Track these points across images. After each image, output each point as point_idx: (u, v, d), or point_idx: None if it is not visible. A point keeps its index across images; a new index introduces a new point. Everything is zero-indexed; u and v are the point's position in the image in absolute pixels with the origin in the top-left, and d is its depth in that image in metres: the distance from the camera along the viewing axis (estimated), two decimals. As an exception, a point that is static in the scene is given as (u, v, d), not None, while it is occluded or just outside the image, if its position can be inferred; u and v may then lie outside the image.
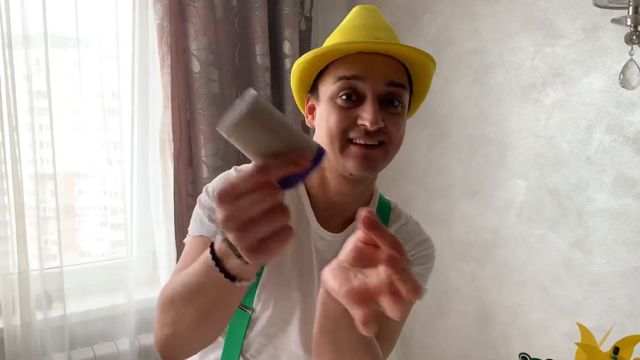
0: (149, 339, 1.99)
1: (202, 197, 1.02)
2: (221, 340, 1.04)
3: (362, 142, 0.89)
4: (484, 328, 1.92)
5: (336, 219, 1.02)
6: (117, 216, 2.09)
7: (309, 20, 2.24)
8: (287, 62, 2.14)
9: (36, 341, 1.77)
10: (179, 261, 1.00)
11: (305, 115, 1.03)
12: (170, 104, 1.94)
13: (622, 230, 1.55)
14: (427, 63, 0.96)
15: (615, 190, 1.56)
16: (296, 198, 1.02)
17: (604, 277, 1.60)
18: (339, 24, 1.02)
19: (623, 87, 1.32)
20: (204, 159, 1.98)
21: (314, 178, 1.01)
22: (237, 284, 0.69)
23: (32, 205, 1.79)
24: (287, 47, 2.13)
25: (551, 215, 1.71)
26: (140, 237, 2.13)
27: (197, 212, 1.02)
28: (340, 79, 0.90)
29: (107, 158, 1.98)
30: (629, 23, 1.28)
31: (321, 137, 0.94)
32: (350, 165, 0.90)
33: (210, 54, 1.98)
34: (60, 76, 1.93)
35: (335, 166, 0.94)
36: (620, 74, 1.31)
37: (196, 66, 1.97)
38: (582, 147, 1.62)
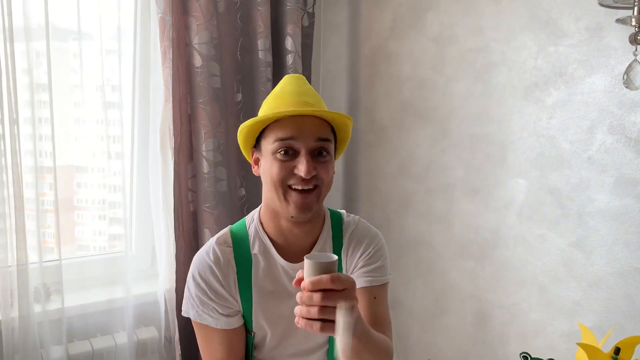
0: (147, 333, 1.99)
1: (191, 286, 1.23)
2: None
3: (299, 187, 1.11)
4: (483, 327, 1.92)
5: (297, 250, 1.23)
6: (116, 210, 2.09)
7: (311, 16, 2.23)
8: (289, 58, 2.13)
9: (34, 334, 1.77)
10: (202, 346, 1.25)
11: (252, 166, 1.24)
12: (171, 98, 1.93)
13: (622, 231, 1.55)
14: (345, 122, 1.18)
15: (616, 191, 1.56)
16: (260, 241, 1.24)
17: (604, 277, 1.59)
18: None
19: (626, 87, 1.31)
20: (204, 153, 1.98)
21: (270, 224, 1.23)
22: None
23: (31, 198, 1.79)
24: (289, 43, 2.12)
25: (551, 215, 1.70)
26: (140, 231, 2.13)
27: (192, 300, 1.23)
28: (278, 139, 1.12)
29: (107, 152, 1.98)
30: (633, 23, 1.27)
31: (266, 184, 1.16)
32: (291, 210, 1.12)
33: (212, 49, 1.97)
34: (61, 69, 1.93)
35: (281, 211, 1.16)
36: (624, 74, 1.31)
37: (198, 60, 1.96)
38: (583, 147, 1.62)
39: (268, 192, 1.17)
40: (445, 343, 2.04)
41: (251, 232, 1.24)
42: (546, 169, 1.71)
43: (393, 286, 2.23)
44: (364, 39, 2.28)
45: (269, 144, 1.14)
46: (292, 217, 1.14)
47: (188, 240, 2.05)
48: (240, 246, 1.22)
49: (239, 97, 2.06)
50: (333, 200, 2.49)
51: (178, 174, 1.98)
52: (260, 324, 1.24)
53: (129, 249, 2.03)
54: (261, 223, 1.25)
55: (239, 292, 1.21)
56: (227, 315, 1.21)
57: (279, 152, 1.11)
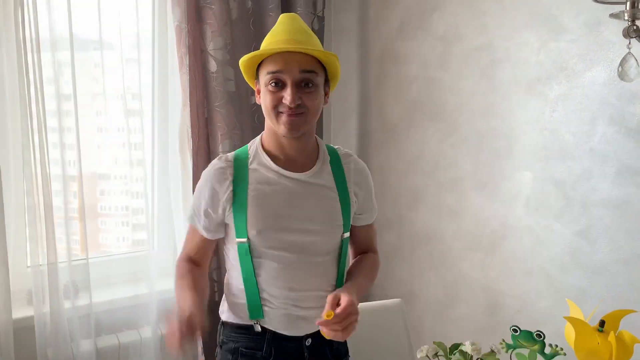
0: (171, 328, 2.08)
1: (199, 184, 1.39)
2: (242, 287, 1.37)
3: (287, 113, 1.27)
4: (494, 316, 1.97)
5: (294, 164, 1.37)
6: (138, 216, 2.18)
7: (321, 19, 2.31)
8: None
9: (64, 328, 1.87)
10: (185, 239, 1.48)
11: (255, 95, 1.38)
12: (188, 103, 2.03)
13: (625, 219, 1.59)
14: (330, 58, 1.30)
15: (618, 180, 1.60)
16: (258, 158, 1.36)
17: (608, 265, 1.64)
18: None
19: (622, 79, 1.36)
20: (221, 154, 2.06)
21: (270, 142, 1.36)
22: None
23: (59, 206, 1.89)
24: (300, 46, 2.20)
25: (556, 206, 1.75)
26: (161, 231, 2.22)
27: (194, 198, 1.40)
28: (269, 73, 1.27)
29: (128, 159, 2.07)
30: (626, 17, 1.33)
31: (263, 110, 1.31)
32: (281, 129, 1.29)
33: (227, 54, 2.06)
34: (84, 78, 2.02)
35: (276, 131, 1.32)
36: (619, 66, 1.36)
37: (213, 66, 2.05)
38: (585, 138, 1.67)
39: (266, 117, 1.33)
40: (457, 333, 2.10)
41: (251, 152, 1.38)
42: (550, 160, 1.76)
43: (405, 279, 2.30)
44: (372, 41, 2.35)
45: (263, 77, 1.30)
46: (283, 135, 1.31)
47: (207, 238, 2.13)
48: (239, 163, 1.35)
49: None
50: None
51: (197, 175, 2.07)
52: (254, 227, 1.33)
53: (151, 248, 2.13)
54: (262, 144, 1.38)
55: (233, 202, 1.33)
56: (209, 224, 1.37)
57: (270, 84, 1.27)
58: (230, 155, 1.38)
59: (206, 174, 1.37)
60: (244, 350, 1.36)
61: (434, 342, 1.23)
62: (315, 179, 1.36)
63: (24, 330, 1.83)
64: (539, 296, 1.83)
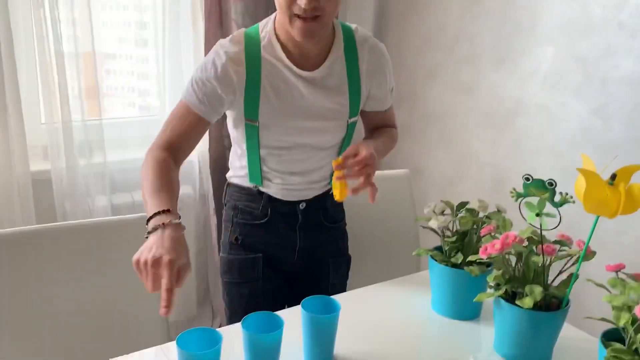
0: (182, 190, 2.14)
1: (205, 63, 1.25)
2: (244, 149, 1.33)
3: (302, 15, 1.15)
4: (499, 193, 2.01)
5: (307, 59, 1.27)
6: (149, 71, 2.16)
7: None
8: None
9: (80, 184, 1.93)
10: (169, 116, 1.27)
11: None
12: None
13: (644, 96, 1.57)
14: None
15: (643, 56, 1.56)
16: (271, 48, 1.26)
17: (621, 143, 1.64)
18: None
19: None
20: (234, 17, 2.01)
21: (282, 31, 1.25)
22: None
23: (73, 76, 1.87)
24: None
25: (575, 83, 1.72)
26: (173, 97, 2.21)
27: (192, 80, 1.26)
28: None
29: (140, 21, 2.01)
30: None
31: (277, 6, 1.19)
32: (295, 34, 1.18)
33: None
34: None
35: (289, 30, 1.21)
36: None
37: None
38: (615, 11, 1.60)
39: (278, 14, 1.23)
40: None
41: (264, 37, 1.26)
42: (575, 35, 1.70)
43: (413, 155, 2.32)
44: None
45: None
46: (297, 41, 1.21)
47: (219, 104, 2.13)
48: (252, 49, 1.24)
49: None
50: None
51: (208, 38, 2.03)
52: (266, 117, 1.27)
53: (163, 114, 2.13)
54: (275, 30, 1.26)
55: (245, 91, 1.24)
56: (210, 105, 1.24)
57: None
58: (241, 36, 1.26)
59: (216, 54, 1.24)
60: (243, 207, 1.40)
61: (441, 200, 1.26)
62: (327, 78, 1.28)
63: (42, 183, 1.89)
64: (545, 173, 1.85)
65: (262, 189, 1.37)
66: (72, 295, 1.25)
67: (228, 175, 1.46)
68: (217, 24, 2.06)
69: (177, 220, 1.00)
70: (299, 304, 1.05)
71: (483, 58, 1.99)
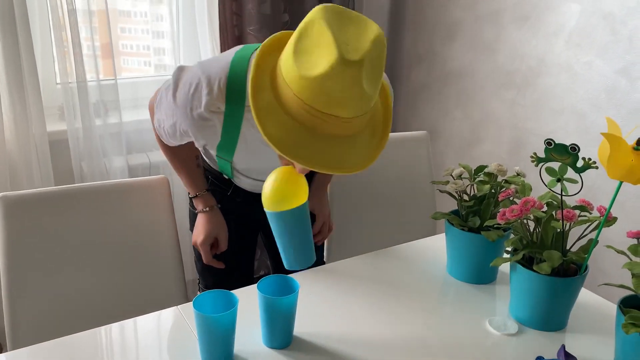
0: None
1: (174, 105, 1.10)
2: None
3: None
4: (517, 154, 1.98)
5: None
6: (163, 29, 2.12)
7: None
8: None
9: (97, 144, 1.93)
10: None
11: None
12: None
13: (673, 55, 1.51)
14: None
15: (674, 13, 1.49)
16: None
17: (646, 104, 1.59)
18: None
19: None
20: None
21: None
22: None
23: (87, 37, 1.84)
24: None
25: (601, 41, 1.66)
26: (187, 55, 2.19)
27: (163, 116, 1.17)
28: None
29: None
30: None
31: None
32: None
33: None
34: None
35: None
36: None
37: None
38: (647, -35, 1.52)
39: None
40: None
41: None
42: (603, -9, 1.63)
43: (430, 116, 2.28)
44: None
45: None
46: None
47: (234, 64, 2.10)
48: (234, 96, 1.05)
49: None
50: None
51: (223, -2, 1.98)
52: (240, 162, 1.23)
53: (178, 72, 2.11)
54: None
55: (220, 138, 1.13)
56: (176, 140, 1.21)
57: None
58: (223, 82, 1.04)
59: (189, 102, 1.07)
60: (212, 179, 1.39)
61: (459, 164, 1.24)
62: None
63: (58, 144, 1.89)
64: (566, 135, 1.81)
65: (233, 180, 1.34)
66: (91, 256, 1.27)
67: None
68: (231, -19, 2.01)
69: (210, 205, 1.32)
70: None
71: (506, 15, 1.92)
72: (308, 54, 0.80)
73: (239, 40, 2.09)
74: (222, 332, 0.91)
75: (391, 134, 1.76)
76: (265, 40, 0.90)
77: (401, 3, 2.32)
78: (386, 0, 2.38)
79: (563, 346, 0.95)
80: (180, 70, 1.14)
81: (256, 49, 1.08)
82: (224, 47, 2.05)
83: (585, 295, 1.17)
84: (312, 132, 0.83)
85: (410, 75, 2.35)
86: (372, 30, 0.84)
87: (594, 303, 1.16)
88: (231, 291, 0.96)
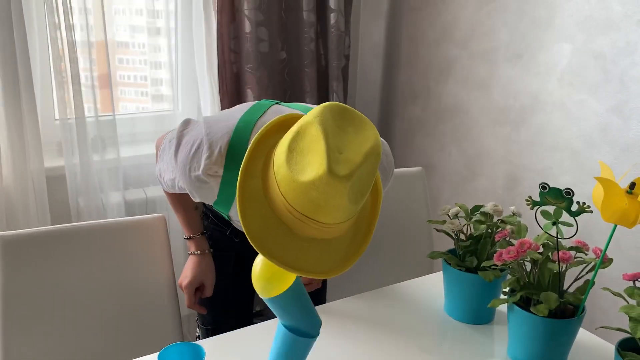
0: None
1: (174, 163, 1.12)
2: None
3: None
4: (512, 190, 1.99)
5: None
6: (161, 60, 2.15)
7: None
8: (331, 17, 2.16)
9: (94, 179, 1.94)
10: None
11: None
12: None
13: (664, 95, 1.54)
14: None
15: (663, 54, 1.53)
16: None
17: (639, 142, 1.61)
18: None
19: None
20: (246, 12, 1.99)
21: None
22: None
23: (86, 67, 1.87)
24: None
25: (593, 80, 1.69)
26: (185, 92, 2.21)
27: (163, 168, 1.19)
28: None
29: (153, 10, 2.01)
30: None
31: None
32: None
33: None
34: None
35: None
36: None
37: None
38: (635, 8, 1.56)
39: None
40: (475, 204, 2.14)
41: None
42: (593, 32, 1.67)
43: (427, 152, 2.30)
44: None
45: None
46: None
47: (231, 100, 2.13)
48: (233, 160, 1.06)
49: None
50: (373, 66, 2.50)
51: (221, 34, 2.02)
52: (236, 216, 1.20)
53: (176, 108, 2.13)
54: None
55: (216, 200, 1.14)
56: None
57: None
58: (224, 148, 1.06)
59: (188, 163, 1.08)
60: (215, 221, 1.38)
61: (455, 203, 1.25)
62: None
63: (55, 179, 1.90)
64: (561, 171, 1.83)
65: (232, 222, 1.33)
66: (87, 296, 1.26)
67: None
68: (229, 18, 2.05)
69: (202, 249, 1.33)
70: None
71: (499, 53, 1.96)
72: (301, 155, 0.79)
73: (237, 77, 2.12)
74: None
75: (387, 170, 1.78)
76: (269, 123, 0.88)
77: (396, 41, 2.37)
78: (381, 37, 2.43)
79: None
80: (185, 125, 1.15)
81: (262, 114, 1.10)
82: (223, 83, 2.08)
83: (583, 336, 1.17)
84: (290, 231, 0.81)
85: (406, 111, 2.38)
86: (369, 139, 0.81)
87: (592, 344, 1.16)
88: (227, 332, 0.95)
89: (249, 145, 0.85)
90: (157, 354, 1.07)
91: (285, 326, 0.92)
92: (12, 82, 1.71)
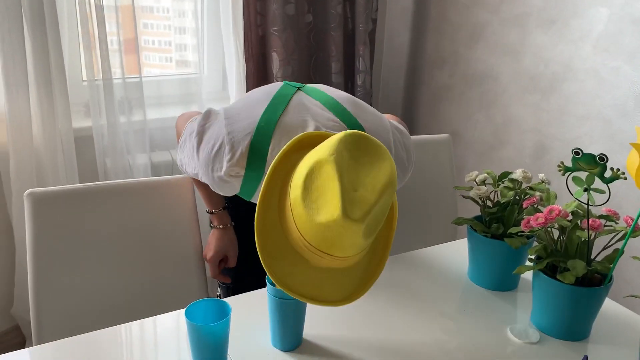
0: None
1: (197, 155, 1.13)
2: None
3: None
4: (540, 159, 1.96)
5: None
6: (186, 25, 2.14)
7: None
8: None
9: (121, 141, 1.96)
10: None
11: None
12: None
13: None
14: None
15: None
16: None
17: (674, 112, 1.56)
18: None
19: None
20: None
21: None
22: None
23: (112, 32, 1.87)
24: None
25: (630, 46, 1.63)
26: (211, 55, 2.21)
27: (185, 158, 1.19)
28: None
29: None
30: None
31: None
32: None
33: None
34: None
35: None
36: None
37: None
38: (679, -30, 1.50)
39: None
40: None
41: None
42: (633, -4, 1.61)
43: (454, 119, 2.27)
44: None
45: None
46: None
47: (257, 63, 2.11)
48: (256, 156, 1.06)
49: None
50: (400, 31, 2.45)
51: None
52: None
53: (201, 72, 2.13)
54: None
55: (240, 190, 1.14)
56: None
57: None
58: (245, 148, 1.05)
59: (211, 162, 1.09)
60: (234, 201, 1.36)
61: (483, 170, 1.24)
62: None
63: (83, 140, 1.92)
64: (591, 141, 1.79)
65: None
66: (114, 253, 1.29)
67: None
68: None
69: (224, 223, 1.33)
70: None
71: (531, 18, 1.90)
72: (316, 193, 0.79)
73: (263, 40, 2.10)
74: (213, 342, 0.90)
75: (413, 137, 1.76)
76: (285, 146, 0.88)
77: (425, 5, 2.31)
78: (409, 1, 2.37)
79: (586, 357, 0.94)
80: (206, 118, 1.14)
81: (284, 111, 1.09)
82: (248, 46, 2.06)
83: (609, 306, 1.16)
84: (307, 262, 0.83)
85: (433, 77, 2.34)
86: (385, 172, 0.80)
87: (618, 314, 1.15)
88: (241, 294, 0.96)
89: (266, 175, 0.85)
90: (183, 310, 1.10)
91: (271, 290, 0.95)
92: (41, 44, 1.72)
